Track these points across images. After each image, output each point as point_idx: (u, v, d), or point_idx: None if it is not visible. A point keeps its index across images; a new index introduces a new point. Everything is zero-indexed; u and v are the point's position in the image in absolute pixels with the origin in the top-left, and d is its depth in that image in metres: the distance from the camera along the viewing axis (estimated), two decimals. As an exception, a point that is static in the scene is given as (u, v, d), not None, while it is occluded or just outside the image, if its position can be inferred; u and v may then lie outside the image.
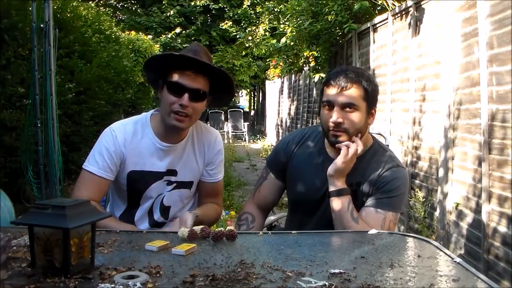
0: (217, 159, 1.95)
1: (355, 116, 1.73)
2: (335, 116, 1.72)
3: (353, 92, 1.73)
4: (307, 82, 10.30)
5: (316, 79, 8.04)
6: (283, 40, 8.58)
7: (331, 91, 1.74)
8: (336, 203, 1.73)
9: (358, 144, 1.74)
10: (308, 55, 8.14)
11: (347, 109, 1.73)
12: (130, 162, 1.80)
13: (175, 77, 1.71)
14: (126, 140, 1.79)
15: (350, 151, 1.72)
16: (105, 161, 1.76)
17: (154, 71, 1.81)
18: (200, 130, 1.93)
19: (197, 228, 1.42)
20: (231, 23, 16.57)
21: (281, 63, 9.83)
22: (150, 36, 13.88)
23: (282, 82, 14.57)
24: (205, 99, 1.77)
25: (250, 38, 11.08)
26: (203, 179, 1.94)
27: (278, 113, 15.22)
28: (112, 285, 1.02)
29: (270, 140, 15.89)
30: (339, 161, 1.73)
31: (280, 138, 13.07)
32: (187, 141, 1.87)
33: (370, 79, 1.78)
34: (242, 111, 18.79)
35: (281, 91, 14.99)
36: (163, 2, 16.11)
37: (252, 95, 25.77)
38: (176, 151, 1.85)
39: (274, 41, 9.61)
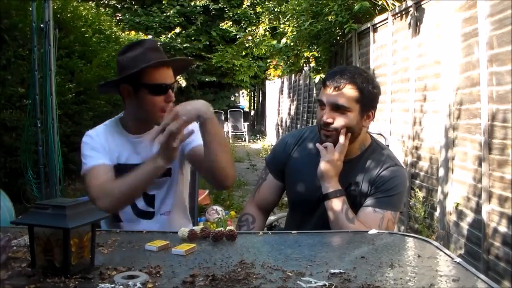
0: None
1: (346, 118, 1.72)
2: (325, 116, 1.73)
3: (346, 93, 1.71)
4: (307, 82, 10.30)
5: (316, 80, 8.05)
6: (283, 40, 8.58)
7: (325, 90, 1.75)
8: (330, 205, 1.73)
9: (342, 141, 1.72)
10: (308, 56, 8.13)
11: (338, 110, 1.72)
12: (113, 157, 1.85)
13: (155, 79, 1.75)
14: (101, 138, 1.85)
15: (328, 150, 1.73)
16: (97, 153, 1.81)
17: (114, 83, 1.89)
18: None
19: (197, 228, 1.42)
20: (231, 23, 16.56)
21: (281, 64, 9.82)
22: (150, 36, 13.89)
23: (282, 82, 14.57)
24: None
25: (250, 38, 11.08)
26: (188, 151, 1.85)
27: (278, 113, 15.22)
28: (112, 285, 1.02)
29: (270, 140, 15.89)
30: (322, 163, 1.74)
31: (280, 138, 13.05)
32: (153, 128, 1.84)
33: (368, 81, 1.75)
34: (242, 111, 18.77)
35: (281, 91, 14.99)
36: (163, 2, 16.11)
37: (252, 95, 25.76)
38: (146, 140, 1.84)
39: (275, 41, 9.61)
